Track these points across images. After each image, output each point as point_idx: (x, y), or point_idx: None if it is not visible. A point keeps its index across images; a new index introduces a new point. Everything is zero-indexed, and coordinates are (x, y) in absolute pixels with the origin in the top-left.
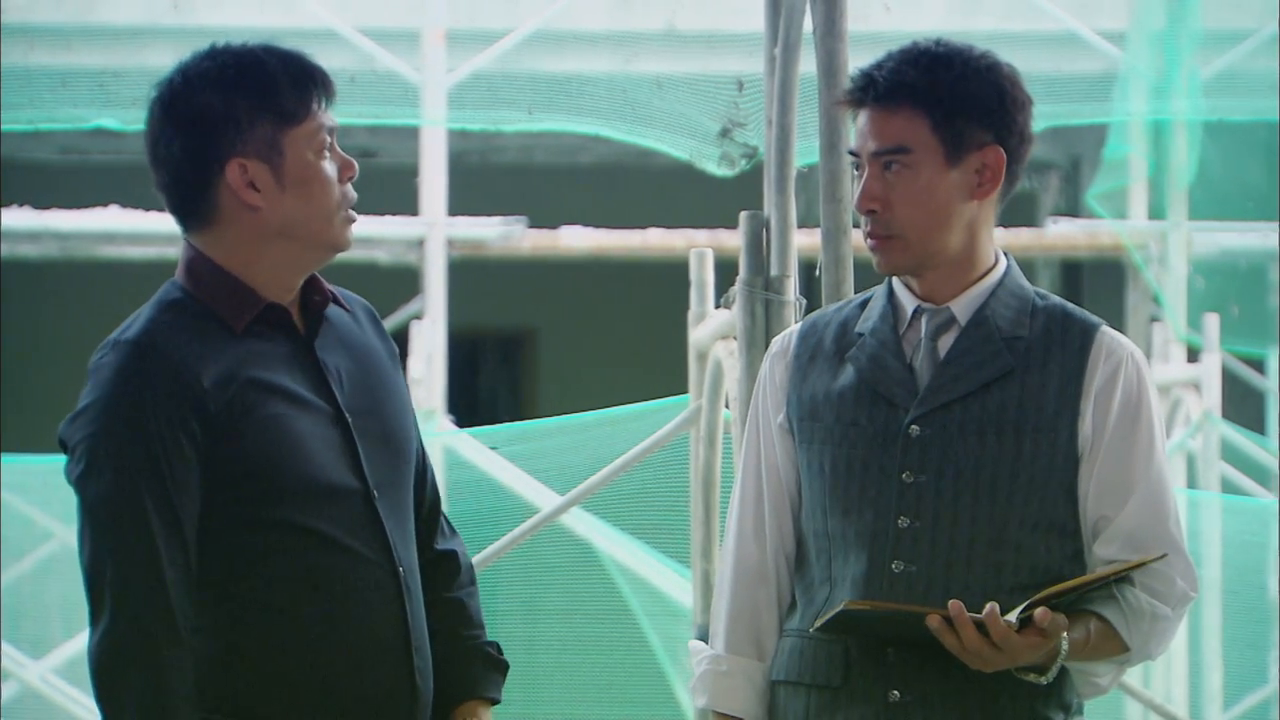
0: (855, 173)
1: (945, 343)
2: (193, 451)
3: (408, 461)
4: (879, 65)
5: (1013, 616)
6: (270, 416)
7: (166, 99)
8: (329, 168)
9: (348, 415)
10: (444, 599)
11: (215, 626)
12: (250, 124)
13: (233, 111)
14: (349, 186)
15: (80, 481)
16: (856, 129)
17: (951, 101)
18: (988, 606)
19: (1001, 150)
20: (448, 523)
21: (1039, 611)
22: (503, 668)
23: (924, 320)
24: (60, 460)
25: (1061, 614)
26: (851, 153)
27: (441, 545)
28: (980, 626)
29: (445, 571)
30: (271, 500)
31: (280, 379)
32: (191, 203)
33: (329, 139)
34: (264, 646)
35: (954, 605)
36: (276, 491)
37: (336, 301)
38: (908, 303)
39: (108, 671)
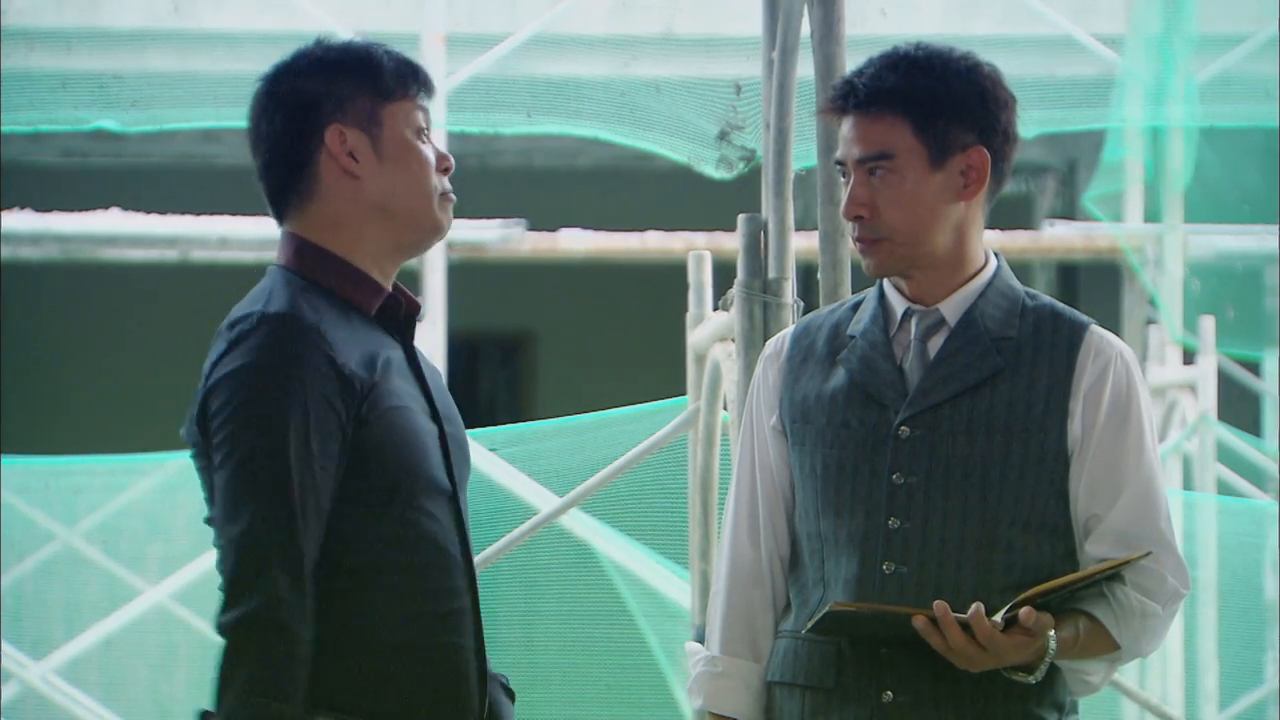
0: (843, 180)
1: (935, 344)
2: (338, 431)
3: (470, 469)
4: (859, 72)
5: (998, 617)
6: (398, 408)
7: (271, 81)
8: (427, 150)
9: (442, 419)
10: None
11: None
12: (350, 96)
13: (333, 85)
14: (445, 179)
15: (228, 447)
16: (841, 136)
17: (933, 104)
18: (972, 607)
19: (986, 150)
20: None
21: (1024, 611)
22: (513, 699)
23: (914, 322)
24: (59, 462)
25: (1048, 613)
26: (837, 160)
27: None
28: (965, 627)
29: None
30: (389, 492)
31: (403, 371)
32: (293, 177)
33: (425, 126)
34: (358, 639)
35: (938, 606)
36: (395, 484)
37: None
38: (898, 305)
39: (242, 651)
